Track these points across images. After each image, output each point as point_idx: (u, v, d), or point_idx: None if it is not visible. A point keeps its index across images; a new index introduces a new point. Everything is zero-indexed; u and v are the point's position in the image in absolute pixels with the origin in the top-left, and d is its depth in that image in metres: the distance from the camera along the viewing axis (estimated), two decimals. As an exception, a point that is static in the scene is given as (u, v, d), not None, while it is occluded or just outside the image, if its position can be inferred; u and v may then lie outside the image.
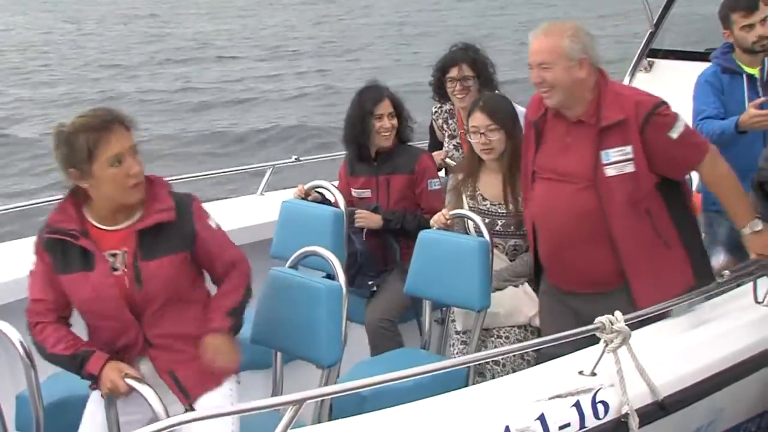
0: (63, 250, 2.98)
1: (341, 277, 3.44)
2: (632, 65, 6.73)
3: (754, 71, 4.72)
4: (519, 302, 4.04)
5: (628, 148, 3.46)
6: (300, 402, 2.39)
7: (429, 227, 4.08)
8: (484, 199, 4.13)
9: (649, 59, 6.66)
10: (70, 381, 3.61)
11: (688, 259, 3.60)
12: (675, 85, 5.05)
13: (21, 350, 3.14)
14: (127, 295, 2.97)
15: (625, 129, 3.46)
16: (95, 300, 2.98)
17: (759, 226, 3.60)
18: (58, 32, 34.96)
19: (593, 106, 3.50)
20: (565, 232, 3.55)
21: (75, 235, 2.96)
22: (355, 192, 4.62)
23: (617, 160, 3.46)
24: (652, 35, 6.69)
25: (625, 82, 6.66)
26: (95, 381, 2.94)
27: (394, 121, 4.46)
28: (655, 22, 6.67)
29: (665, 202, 3.56)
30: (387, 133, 4.46)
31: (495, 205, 4.10)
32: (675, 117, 3.53)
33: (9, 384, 3.63)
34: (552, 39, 3.46)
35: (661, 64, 6.60)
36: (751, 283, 3.70)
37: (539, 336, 3.80)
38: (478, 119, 4.01)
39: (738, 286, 3.77)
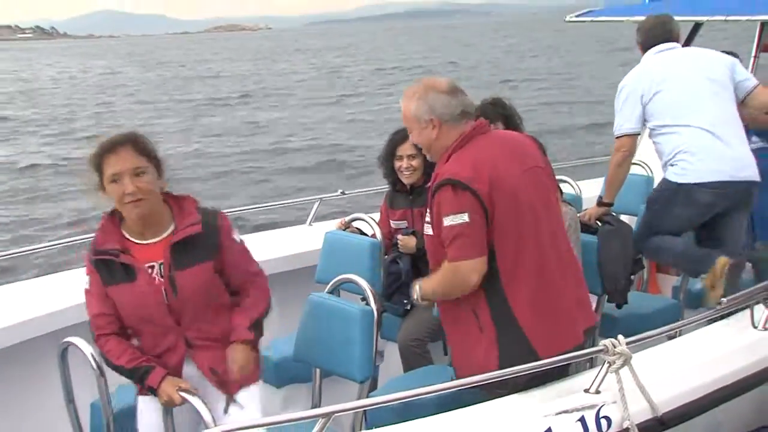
0: (108, 266, 3.09)
1: (373, 302, 3.51)
2: None
3: None
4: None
5: (427, 211, 3.19)
6: (328, 415, 2.48)
7: None
8: None
9: None
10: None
11: (497, 345, 3.10)
12: None
13: (93, 363, 3.27)
14: (167, 302, 3.07)
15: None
16: (140, 307, 3.08)
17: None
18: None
19: (441, 163, 3.20)
20: None
21: (116, 253, 3.09)
22: (393, 224, 4.69)
23: (426, 220, 3.20)
24: None
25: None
26: (154, 392, 3.05)
27: (414, 162, 4.50)
28: None
29: (482, 282, 3.09)
30: (408, 172, 4.52)
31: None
32: (456, 207, 3.03)
33: (87, 392, 3.75)
34: (405, 102, 3.24)
35: None
36: (748, 310, 3.71)
37: None
38: None
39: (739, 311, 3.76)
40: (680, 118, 4.20)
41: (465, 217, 3.02)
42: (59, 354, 3.50)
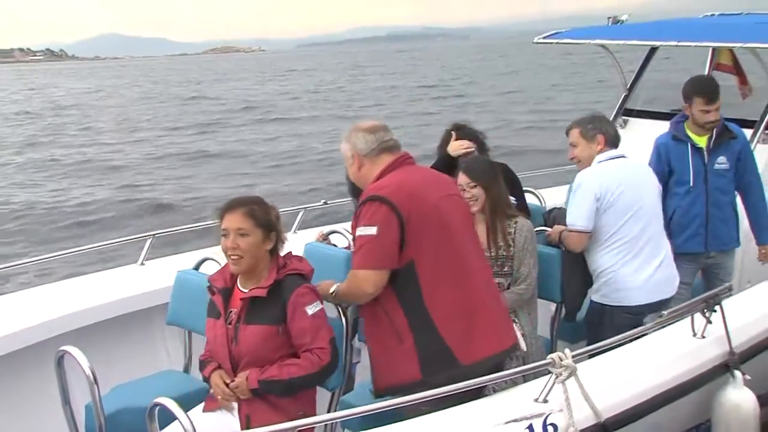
0: (212, 299, 3.42)
1: (344, 316, 3.56)
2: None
3: (702, 141, 4.84)
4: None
5: None
6: (293, 429, 2.54)
7: None
8: None
9: (623, 117, 6.67)
10: (129, 393, 3.81)
11: (416, 354, 3.14)
12: (646, 140, 5.13)
13: (87, 369, 3.30)
14: (228, 349, 3.27)
15: None
16: (212, 342, 3.37)
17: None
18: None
19: (369, 186, 3.32)
20: None
21: (213, 291, 3.39)
22: (364, 236, 4.71)
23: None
24: (626, 97, 6.72)
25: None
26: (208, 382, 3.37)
27: None
28: (628, 86, 6.73)
29: (397, 293, 3.16)
30: None
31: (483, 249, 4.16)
32: (368, 220, 3.14)
33: (83, 394, 3.79)
34: (342, 143, 3.44)
35: (634, 121, 6.60)
36: (689, 319, 3.78)
37: (522, 360, 3.85)
38: (461, 179, 4.11)
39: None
40: (616, 232, 4.25)
41: (373, 230, 3.12)
42: (56, 361, 3.55)
